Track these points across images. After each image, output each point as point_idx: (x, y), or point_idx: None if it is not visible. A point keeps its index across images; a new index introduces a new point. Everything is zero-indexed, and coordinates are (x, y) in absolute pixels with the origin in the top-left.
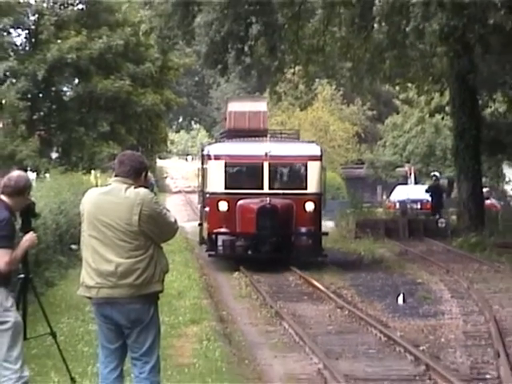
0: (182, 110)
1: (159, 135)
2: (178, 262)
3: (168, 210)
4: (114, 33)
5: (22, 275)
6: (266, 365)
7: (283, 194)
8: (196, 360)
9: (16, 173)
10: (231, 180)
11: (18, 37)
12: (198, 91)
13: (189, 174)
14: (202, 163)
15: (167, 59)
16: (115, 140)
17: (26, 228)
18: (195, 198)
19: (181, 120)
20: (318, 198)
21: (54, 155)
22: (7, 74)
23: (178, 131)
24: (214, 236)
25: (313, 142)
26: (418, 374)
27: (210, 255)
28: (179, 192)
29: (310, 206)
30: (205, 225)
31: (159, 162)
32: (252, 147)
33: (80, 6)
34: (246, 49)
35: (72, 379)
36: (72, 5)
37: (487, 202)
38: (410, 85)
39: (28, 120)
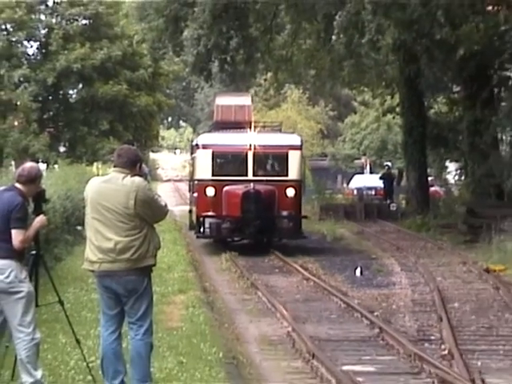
0: (171, 111)
1: (152, 132)
2: (168, 240)
3: (159, 196)
4: (113, 44)
5: (34, 252)
6: (242, 328)
7: (266, 180)
8: (183, 324)
9: (29, 164)
10: (218, 168)
11: (31, 48)
12: (184, 94)
13: (177, 166)
14: (192, 153)
15: (158, 67)
16: (114, 136)
17: (38, 211)
18: (182, 185)
19: (170, 119)
20: (298, 185)
21: (62, 149)
22: (21, 79)
23: (167, 129)
24: (201, 219)
25: (293, 133)
26: (373, 336)
27: (197, 237)
28: (169, 180)
29: (290, 192)
30: (193, 209)
31: (152, 155)
32: (237, 137)
33: (84, 22)
34: (228, 59)
35: (77, 340)
36: (77, 20)
37: (431, 189)
38: (365, 89)
39: (39, 119)
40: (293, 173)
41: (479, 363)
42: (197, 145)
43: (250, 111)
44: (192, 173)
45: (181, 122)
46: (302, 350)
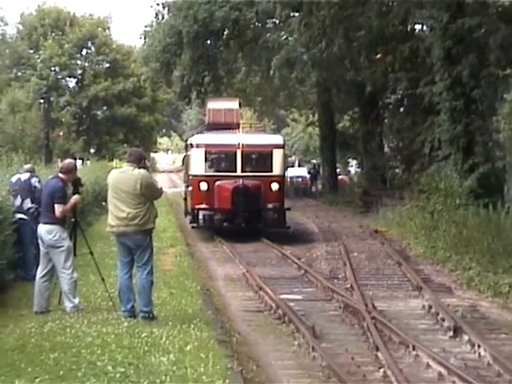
0: (165, 125)
1: (152, 139)
2: (163, 211)
3: (157, 182)
4: (127, 80)
5: (73, 219)
6: (213, 270)
7: (253, 176)
8: (173, 267)
9: (67, 160)
10: (210, 164)
11: (71, 82)
12: (174, 114)
13: (169, 161)
14: (186, 151)
15: (156, 95)
16: (127, 142)
17: (75, 192)
18: (173, 175)
19: (164, 130)
20: (281, 179)
21: (92, 150)
22: (65, 104)
23: (162, 137)
24: (196, 211)
25: (277, 133)
26: (300, 275)
27: (192, 227)
28: (163, 172)
29: (275, 186)
30: (188, 201)
31: (152, 155)
32: (227, 137)
33: (107, 65)
34: (202, 90)
35: (102, 279)
36: (102, 64)
37: (339, 177)
38: (294, 110)
39: (76, 130)
40: (277, 169)
41: (371, 293)
42: (191, 144)
43: (237, 114)
44: (187, 168)
45: (171, 132)
46: (252, 284)
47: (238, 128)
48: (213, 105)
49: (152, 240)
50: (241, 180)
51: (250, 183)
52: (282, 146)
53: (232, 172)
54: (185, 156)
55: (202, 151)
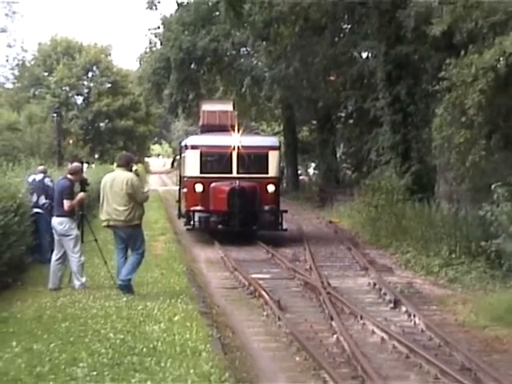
0: (157, 134)
1: (146, 146)
2: (155, 206)
3: (143, 187)
4: (125, 98)
5: (81, 212)
6: (196, 254)
7: (249, 177)
8: (163, 252)
9: (74, 163)
10: (205, 166)
11: (79, 100)
12: (164, 125)
13: (160, 164)
14: (181, 153)
15: (149, 110)
16: (125, 149)
17: (82, 190)
18: (163, 175)
19: (156, 139)
20: (277, 181)
21: (96, 156)
22: (73, 117)
23: (154, 144)
24: (191, 213)
25: (273, 135)
26: (268, 258)
27: (187, 229)
28: (155, 173)
29: (271, 188)
30: (183, 203)
31: (146, 159)
32: (223, 139)
33: (108, 85)
34: (187, 106)
35: (105, 262)
36: (104, 84)
37: (300, 177)
38: (263, 122)
39: (83, 139)
40: (272, 171)
41: (326, 273)
42: (186, 145)
43: (232, 116)
44: (181, 170)
45: (162, 140)
46: (229, 266)
47: (233, 130)
48: (207, 107)
49: (143, 231)
50: (237, 182)
51: (247, 185)
52: (278, 148)
53: (227, 174)
54: (174, 159)
55: (197, 153)
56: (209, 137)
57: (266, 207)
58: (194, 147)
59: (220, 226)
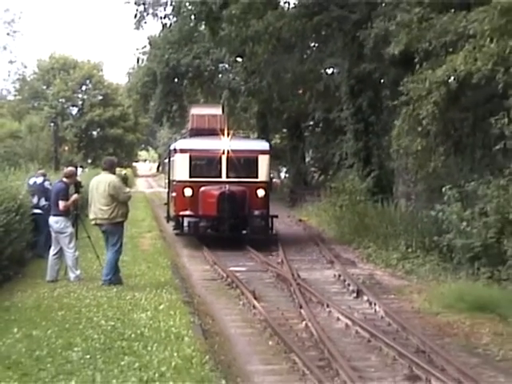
0: (144, 142)
1: (134, 152)
2: (143, 206)
3: (125, 188)
4: (115, 109)
5: (75, 212)
6: (180, 249)
7: (238, 181)
8: (150, 247)
9: (69, 168)
10: (195, 170)
11: (74, 110)
12: (150, 133)
13: (146, 169)
14: (169, 157)
15: (137, 119)
16: (116, 156)
17: (76, 192)
18: (149, 179)
19: (143, 146)
20: (267, 186)
21: (89, 161)
22: (69, 126)
23: (141, 150)
24: (180, 218)
25: (263, 139)
26: (244, 253)
27: (177, 234)
28: (142, 176)
29: (261, 192)
30: (172, 207)
31: (134, 164)
32: (212, 143)
33: (100, 97)
34: (171, 116)
35: (97, 256)
36: (96, 97)
37: (274, 180)
38: (240, 131)
39: (78, 146)
40: (262, 175)
41: (296, 266)
42: (175, 149)
43: (221, 119)
44: (169, 174)
45: (148, 147)
46: (209, 260)
47: (223, 133)
48: (196, 111)
49: (123, 229)
50: (227, 186)
51: (237, 189)
52: (268, 152)
53: (217, 178)
54: (159, 164)
55: (186, 156)
56: (198, 140)
57: (256, 212)
58: (183, 151)
59: (209, 231)
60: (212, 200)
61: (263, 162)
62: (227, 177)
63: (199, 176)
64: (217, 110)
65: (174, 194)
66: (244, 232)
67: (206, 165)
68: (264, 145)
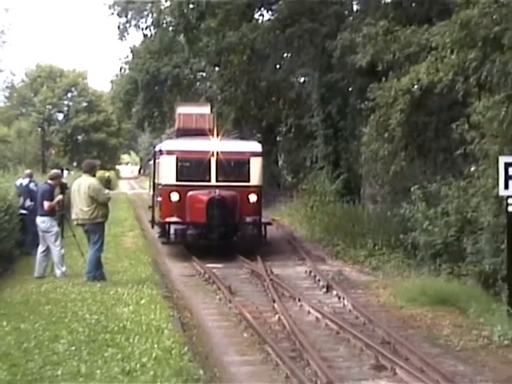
0: (126, 146)
1: (117, 156)
2: (125, 207)
3: (104, 190)
4: (99, 115)
5: (61, 212)
6: (160, 248)
7: (228, 186)
8: (132, 245)
9: (54, 170)
10: (182, 173)
11: (60, 116)
12: (132, 138)
13: (128, 171)
14: (154, 158)
15: (120, 125)
16: (99, 159)
17: (62, 193)
18: (131, 181)
19: (125, 149)
20: (259, 190)
21: (75, 164)
22: (55, 130)
23: (124, 154)
24: (167, 226)
25: (255, 140)
26: (221, 250)
27: (163, 242)
28: (125, 179)
29: (253, 198)
30: (157, 212)
31: (118, 167)
32: (201, 144)
33: (85, 104)
34: (153, 121)
35: (82, 254)
36: (81, 103)
37: None
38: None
39: (64, 150)
40: (254, 179)
41: (269, 263)
42: (160, 150)
43: (210, 119)
44: (154, 176)
45: (131, 151)
46: (187, 257)
47: (212, 134)
48: (183, 110)
49: (104, 228)
50: (217, 191)
51: (227, 194)
52: (261, 154)
53: (205, 182)
54: (141, 167)
55: (173, 158)
56: (185, 141)
57: (248, 219)
58: (169, 152)
59: (198, 240)
60: (201, 205)
61: (255, 164)
62: (217, 180)
63: (187, 179)
64: (205, 109)
65: (159, 199)
66: (235, 238)
67: (194, 167)
68: (256, 146)
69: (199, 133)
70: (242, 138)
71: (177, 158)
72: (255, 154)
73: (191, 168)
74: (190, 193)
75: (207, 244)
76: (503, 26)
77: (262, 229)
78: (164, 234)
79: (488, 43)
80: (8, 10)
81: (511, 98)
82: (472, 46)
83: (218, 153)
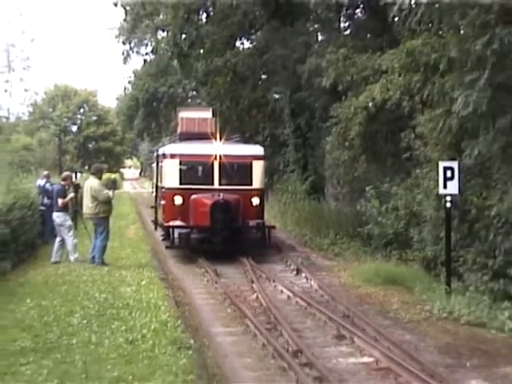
0: (129, 152)
1: (121, 161)
2: (128, 203)
3: (105, 190)
4: (107, 126)
5: (74, 208)
6: (158, 238)
7: (231, 189)
8: (134, 236)
9: (66, 172)
10: (185, 176)
11: (74, 128)
12: (134, 145)
13: (131, 174)
14: (157, 162)
15: (124, 135)
16: (106, 163)
17: (75, 192)
18: (134, 182)
19: (128, 155)
20: (262, 193)
21: (86, 167)
22: (70, 140)
23: (127, 159)
24: (170, 229)
25: (257, 144)
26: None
27: (167, 247)
28: (128, 180)
29: (256, 201)
30: (160, 215)
31: (122, 170)
32: (204, 147)
33: (95, 118)
34: (151, 132)
35: (90, 240)
36: (92, 117)
37: None
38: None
39: (77, 156)
40: (257, 182)
41: (257, 263)
42: (164, 154)
43: (212, 123)
44: (157, 180)
45: (133, 156)
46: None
47: (214, 137)
48: (185, 114)
49: (108, 222)
50: (221, 194)
51: (231, 198)
52: (263, 158)
53: (209, 185)
54: (141, 170)
55: (176, 162)
56: (189, 145)
57: (251, 223)
58: (172, 156)
59: (202, 244)
60: (205, 209)
61: (257, 167)
62: (220, 184)
63: (190, 183)
64: (207, 114)
65: (162, 202)
66: (240, 244)
67: (198, 171)
68: (258, 149)
69: (202, 137)
70: (244, 142)
71: (180, 162)
72: (257, 158)
73: (194, 171)
74: (194, 196)
75: (211, 248)
76: (440, 53)
77: (266, 232)
78: (168, 237)
79: (429, 68)
80: (33, 41)
81: (448, 112)
82: (416, 71)
83: (220, 156)
